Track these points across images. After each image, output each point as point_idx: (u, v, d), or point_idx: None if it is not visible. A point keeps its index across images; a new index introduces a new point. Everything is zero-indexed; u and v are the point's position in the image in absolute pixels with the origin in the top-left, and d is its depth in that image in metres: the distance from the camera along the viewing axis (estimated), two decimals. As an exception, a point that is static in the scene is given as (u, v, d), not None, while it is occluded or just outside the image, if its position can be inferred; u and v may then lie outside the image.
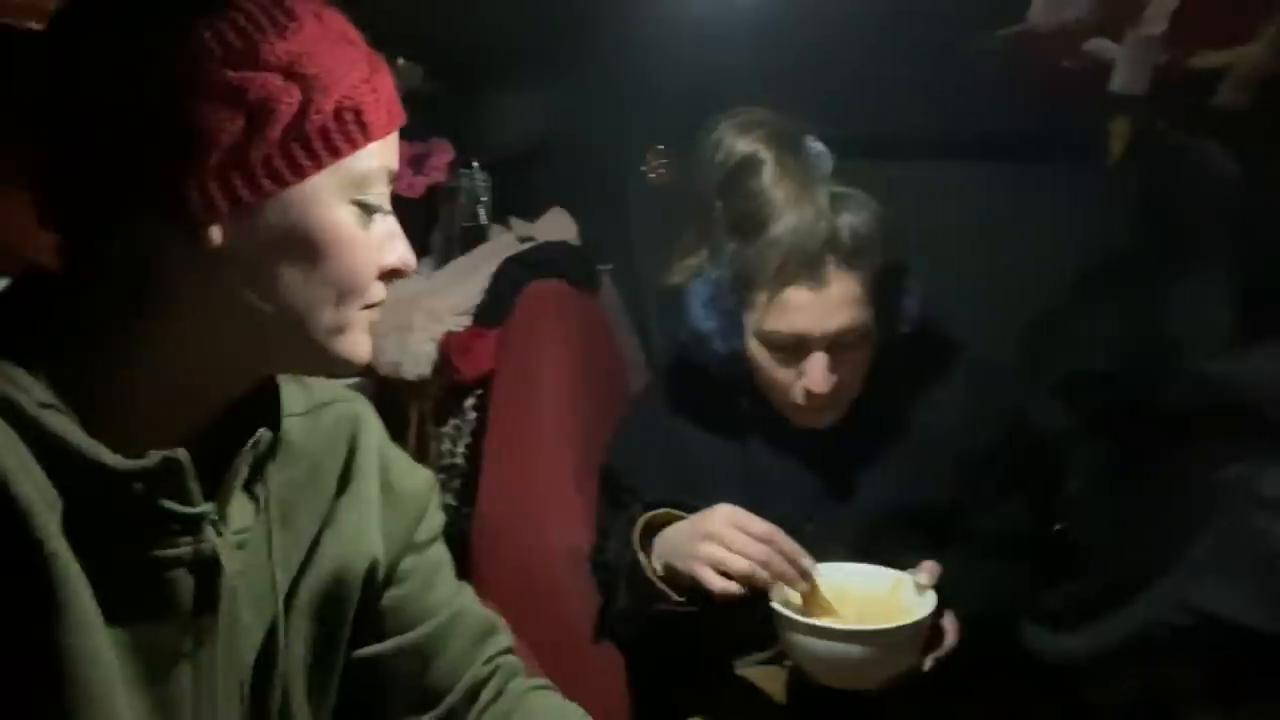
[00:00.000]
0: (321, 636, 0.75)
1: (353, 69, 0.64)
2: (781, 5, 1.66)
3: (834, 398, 1.19)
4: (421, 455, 1.80)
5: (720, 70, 1.59)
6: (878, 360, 1.22)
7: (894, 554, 1.15)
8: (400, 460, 0.82)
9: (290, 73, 0.61)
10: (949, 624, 1.14)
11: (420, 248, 1.99)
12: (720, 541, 1.08)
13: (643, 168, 1.89)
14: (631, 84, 1.86)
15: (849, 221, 1.16)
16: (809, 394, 1.18)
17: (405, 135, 0.70)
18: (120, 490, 0.61)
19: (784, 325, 1.17)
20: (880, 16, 1.53)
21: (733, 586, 1.08)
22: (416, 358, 1.80)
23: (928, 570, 1.11)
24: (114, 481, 0.61)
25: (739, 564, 1.07)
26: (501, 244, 1.97)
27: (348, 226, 0.65)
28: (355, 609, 0.76)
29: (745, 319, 1.21)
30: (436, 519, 0.85)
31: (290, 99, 0.61)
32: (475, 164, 2.02)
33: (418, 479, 0.83)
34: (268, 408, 0.71)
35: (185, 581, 0.65)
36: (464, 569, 0.92)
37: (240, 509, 0.70)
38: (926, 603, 1.07)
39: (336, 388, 0.80)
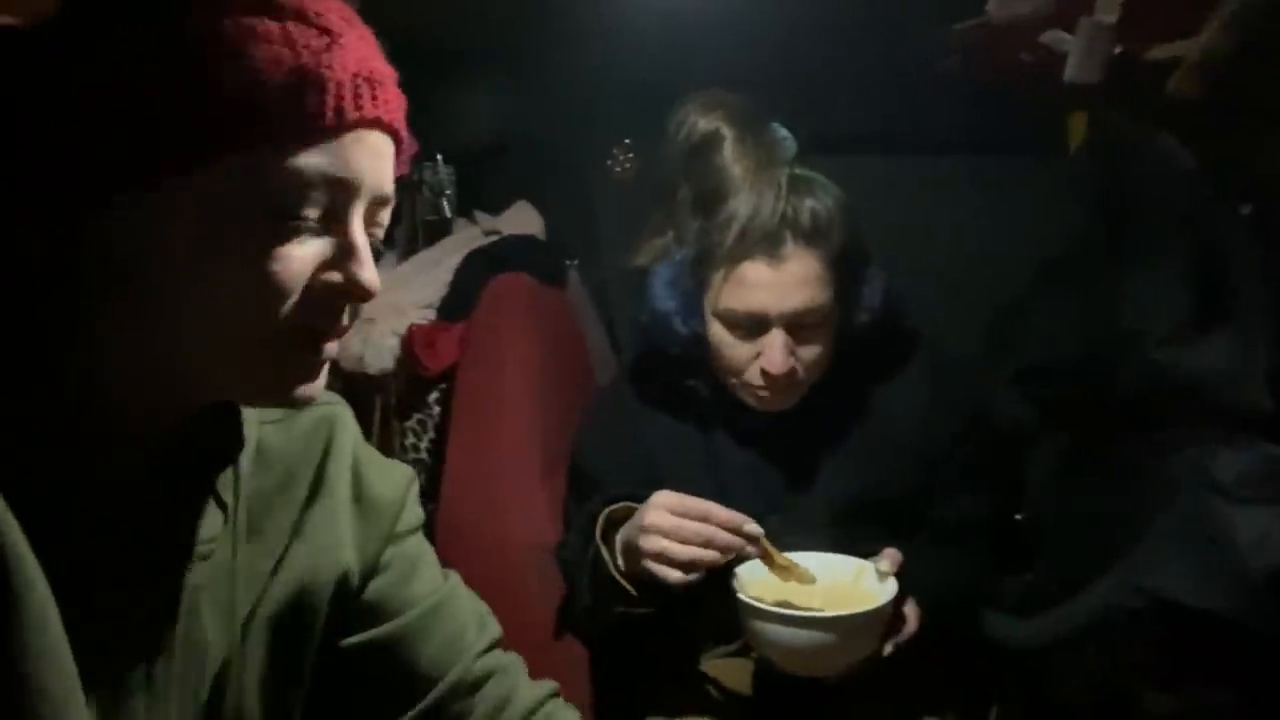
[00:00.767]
0: (282, 649, 0.72)
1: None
2: (744, 1, 1.67)
3: (790, 380, 1.19)
4: (385, 449, 1.78)
5: (684, 65, 1.60)
6: (839, 349, 1.22)
7: (857, 542, 1.16)
8: (373, 465, 0.79)
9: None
10: (910, 610, 1.15)
11: (383, 241, 2.00)
12: (660, 531, 1.06)
13: (609, 162, 1.89)
14: (597, 78, 1.86)
15: (809, 204, 1.16)
16: (766, 375, 1.18)
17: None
18: (80, 497, 0.59)
19: (741, 303, 1.16)
20: (839, 12, 1.54)
21: (686, 576, 1.06)
22: (380, 351, 1.79)
23: (889, 558, 1.12)
24: (74, 488, 0.59)
25: (682, 552, 1.05)
26: (466, 237, 1.96)
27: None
28: (324, 620, 0.74)
29: (705, 299, 1.21)
30: (415, 513, 0.82)
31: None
32: (439, 157, 2.01)
33: (392, 482, 0.80)
34: (235, 416, 0.68)
35: (143, 592, 0.63)
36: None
37: (208, 518, 0.67)
38: (888, 590, 1.08)
39: None
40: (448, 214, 2.03)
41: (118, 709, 0.63)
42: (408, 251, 2.02)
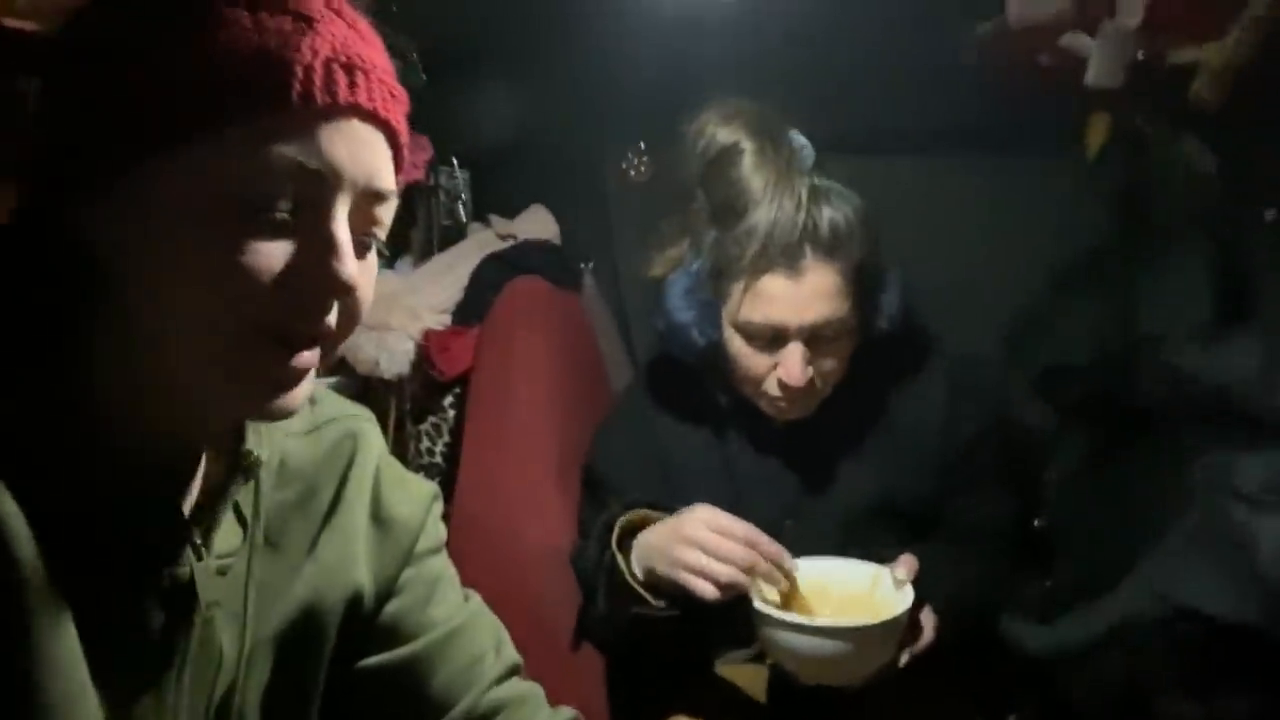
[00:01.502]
0: (288, 666, 0.70)
1: None
2: (760, 2, 1.67)
3: (808, 392, 1.18)
4: (400, 454, 1.79)
5: (699, 67, 1.59)
6: (857, 355, 1.22)
7: (873, 548, 1.15)
8: (395, 483, 0.77)
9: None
10: (926, 619, 1.14)
11: (399, 246, 2.00)
12: (701, 546, 1.07)
13: (624, 165, 1.89)
14: (612, 81, 1.86)
15: (829, 215, 1.16)
16: (783, 386, 1.17)
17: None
18: (96, 512, 0.59)
19: (760, 315, 1.16)
20: (858, 14, 1.53)
21: (721, 594, 1.07)
22: (395, 356, 1.79)
23: (905, 565, 1.11)
24: (89, 504, 0.59)
25: (723, 571, 1.06)
26: (481, 241, 1.96)
27: None
28: (334, 640, 0.73)
29: (723, 310, 1.21)
30: (436, 533, 0.80)
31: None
32: (455, 161, 2.02)
33: (413, 501, 0.78)
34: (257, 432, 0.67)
35: (158, 606, 0.63)
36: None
37: (227, 533, 0.66)
38: (904, 598, 1.07)
39: (343, 403, 0.77)
40: (463, 219, 2.04)
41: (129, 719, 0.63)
42: (423, 256, 2.02)
